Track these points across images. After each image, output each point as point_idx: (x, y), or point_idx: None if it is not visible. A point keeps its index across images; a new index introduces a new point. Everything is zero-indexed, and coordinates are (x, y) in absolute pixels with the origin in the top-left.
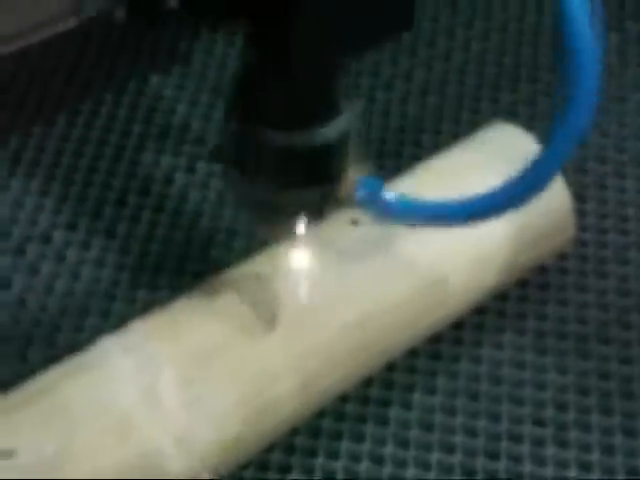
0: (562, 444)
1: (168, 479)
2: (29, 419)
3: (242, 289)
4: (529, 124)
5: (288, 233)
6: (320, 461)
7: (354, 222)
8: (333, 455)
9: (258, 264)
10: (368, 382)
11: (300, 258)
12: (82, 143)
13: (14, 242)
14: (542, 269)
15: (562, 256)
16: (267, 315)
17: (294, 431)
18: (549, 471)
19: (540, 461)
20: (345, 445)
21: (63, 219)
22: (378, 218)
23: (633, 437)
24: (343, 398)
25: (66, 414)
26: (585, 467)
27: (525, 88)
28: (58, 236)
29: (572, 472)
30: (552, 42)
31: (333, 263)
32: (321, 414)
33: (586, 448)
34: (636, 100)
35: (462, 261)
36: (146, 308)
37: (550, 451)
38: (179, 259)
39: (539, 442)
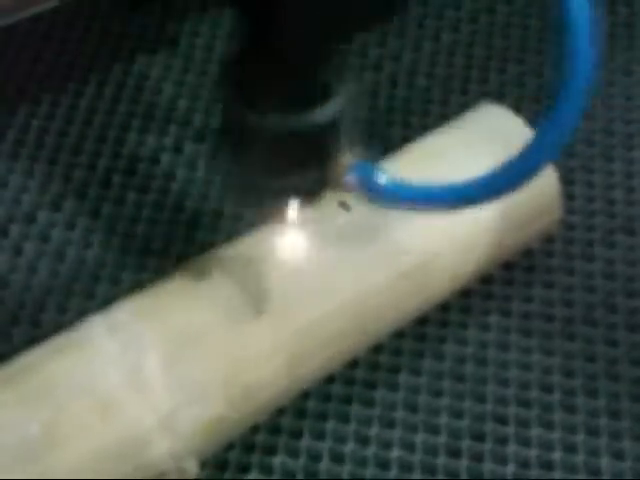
0: (547, 425)
1: (153, 461)
2: (13, 398)
3: (229, 271)
4: (517, 105)
5: (278, 216)
6: (305, 442)
7: (343, 205)
8: (319, 436)
9: (246, 246)
10: (354, 363)
11: (288, 242)
12: (67, 123)
13: None
14: (528, 252)
15: (548, 239)
16: (254, 298)
17: (279, 412)
18: (534, 452)
19: (525, 442)
20: (331, 426)
21: (48, 199)
22: (370, 201)
23: (618, 419)
24: (329, 379)
25: (50, 394)
26: (570, 449)
27: (513, 69)
28: (42, 216)
29: (557, 454)
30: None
31: (320, 247)
32: (307, 395)
33: (571, 429)
34: (624, 84)
35: (448, 243)
36: (131, 289)
37: (535, 432)
38: (165, 240)
39: (524, 423)
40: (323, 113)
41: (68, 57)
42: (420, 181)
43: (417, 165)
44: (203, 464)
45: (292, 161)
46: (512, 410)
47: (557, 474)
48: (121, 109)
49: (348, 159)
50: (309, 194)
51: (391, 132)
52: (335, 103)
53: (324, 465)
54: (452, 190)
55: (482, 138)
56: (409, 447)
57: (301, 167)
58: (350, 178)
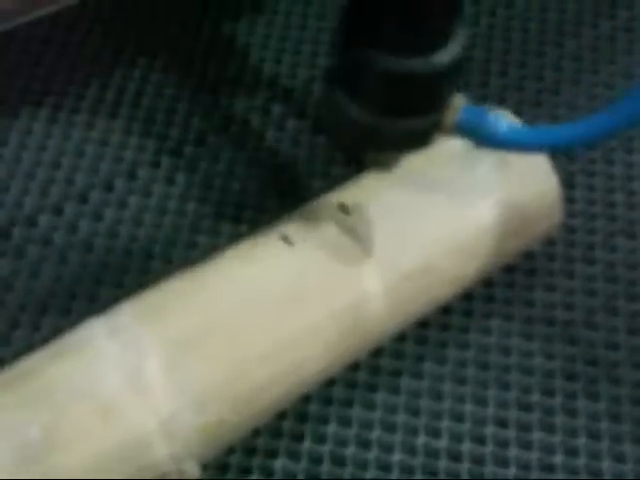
0: (548, 429)
1: (154, 463)
2: (13, 402)
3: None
4: (518, 109)
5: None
6: (307, 445)
7: (342, 207)
8: (320, 439)
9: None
10: (355, 367)
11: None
12: (69, 126)
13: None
14: (529, 255)
15: (550, 242)
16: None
17: (281, 415)
18: (535, 455)
19: (526, 445)
20: (332, 429)
21: (49, 202)
22: (478, 145)
23: (619, 422)
24: (330, 382)
25: (51, 397)
26: (571, 452)
27: (514, 73)
28: (44, 220)
29: (558, 457)
30: None
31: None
32: (308, 398)
33: (572, 433)
34: (624, 87)
35: (449, 247)
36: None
37: (536, 435)
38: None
39: (525, 427)
40: (444, 56)
41: (69, 61)
42: (529, 126)
43: (419, 167)
44: (204, 467)
45: (411, 104)
46: (513, 413)
47: (558, 476)
48: (123, 112)
49: (459, 103)
50: (423, 137)
51: None
52: (455, 47)
53: (325, 468)
54: (561, 133)
55: None
56: (410, 450)
57: (420, 111)
58: (462, 121)
